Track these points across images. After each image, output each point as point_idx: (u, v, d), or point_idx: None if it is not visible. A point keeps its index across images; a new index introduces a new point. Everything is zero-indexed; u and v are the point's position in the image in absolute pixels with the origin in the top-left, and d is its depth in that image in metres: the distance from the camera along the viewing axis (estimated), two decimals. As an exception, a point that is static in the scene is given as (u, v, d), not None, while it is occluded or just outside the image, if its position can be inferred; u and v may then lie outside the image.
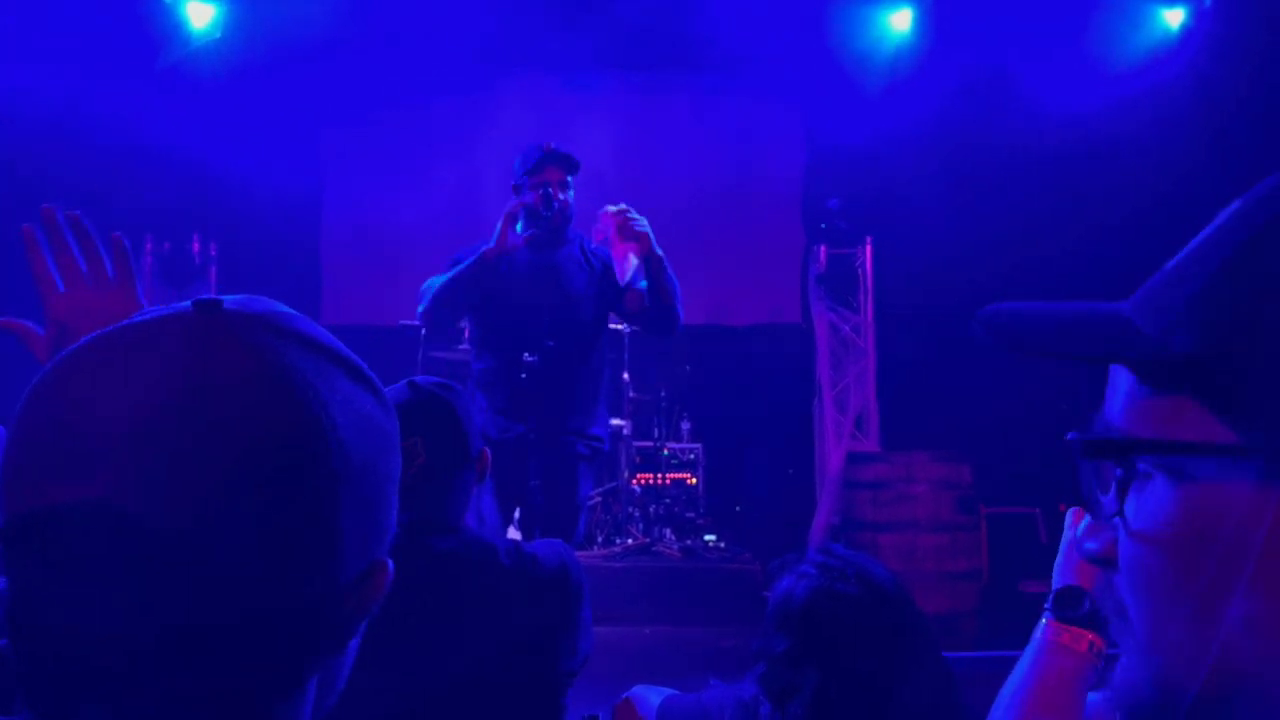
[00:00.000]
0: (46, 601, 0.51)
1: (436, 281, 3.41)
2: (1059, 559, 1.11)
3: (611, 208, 3.34)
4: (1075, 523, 0.97)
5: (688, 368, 6.80)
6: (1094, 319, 0.57)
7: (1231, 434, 0.48)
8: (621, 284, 3.36)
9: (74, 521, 0.51)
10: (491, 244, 3.31)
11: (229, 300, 0.58)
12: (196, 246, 6.77)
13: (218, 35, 6.60)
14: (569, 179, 3.48)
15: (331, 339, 0.60)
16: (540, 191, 3.42)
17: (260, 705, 0.55)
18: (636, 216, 3.32)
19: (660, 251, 3.35)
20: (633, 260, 3.32)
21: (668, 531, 6.19)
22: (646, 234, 3.31)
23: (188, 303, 0.58)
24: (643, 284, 3.40)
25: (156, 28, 6.47)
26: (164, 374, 0.53)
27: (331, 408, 0.56)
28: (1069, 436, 0.55)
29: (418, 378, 1.68)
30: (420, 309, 3.45)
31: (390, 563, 0.60)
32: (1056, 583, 1.10)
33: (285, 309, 0.60)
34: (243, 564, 0.52)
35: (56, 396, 0.54)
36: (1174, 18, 6.82)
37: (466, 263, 3.35)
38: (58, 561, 0.51)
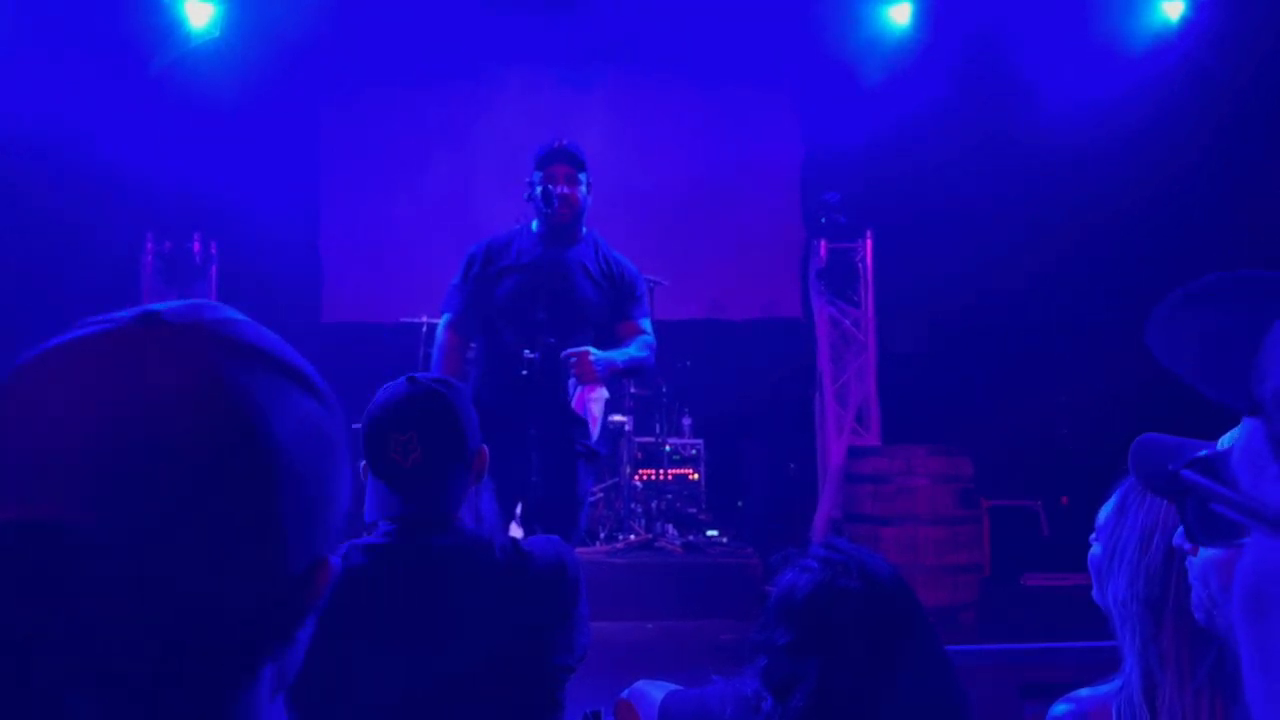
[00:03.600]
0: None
1: (440, 328, 3.58)
2: None
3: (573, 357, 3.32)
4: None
5: (688, 363, 6.80)
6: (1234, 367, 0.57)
7: None
8: (594, 438, 3.44)
9: (21, 539, 0.52)
10: None
11: (170, 310, 0.60)
12: (197, 246, 6.77)
13: (216, 34, 6.60)
14: (579, 175, 3.49)
15: (278, 344, 0.62)
16: (542, 188, 3.44)
17: (216, 695, 0.58)
18: (582, 366, 3.29)
19: (611, 370, 3.39)
20: (600, 397, 3.39)
21: (669, 527, 6.20)
22: (594, 378, 3.33)
23: (128, 314, 0.59)
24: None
25: (155, 27, 6.47)
26: (103, 391, 0.55)
27: (270, 415, 0.58)
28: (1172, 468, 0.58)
29: (418, 374, 1.69)
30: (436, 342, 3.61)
31: (334, 560, 0.63)
32: None
33: (233, 315, 0.62)
34: (192, 571, 0.55)
35: (3, 413, 0.56)
36: (1173, 9, 6.81)
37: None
38: (6, 577, 0.52)
